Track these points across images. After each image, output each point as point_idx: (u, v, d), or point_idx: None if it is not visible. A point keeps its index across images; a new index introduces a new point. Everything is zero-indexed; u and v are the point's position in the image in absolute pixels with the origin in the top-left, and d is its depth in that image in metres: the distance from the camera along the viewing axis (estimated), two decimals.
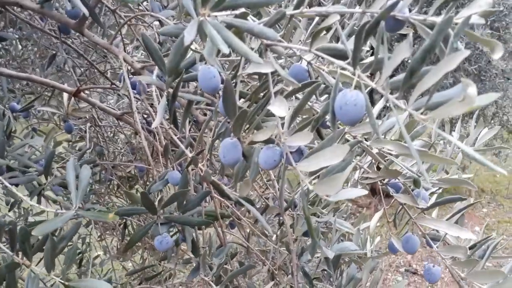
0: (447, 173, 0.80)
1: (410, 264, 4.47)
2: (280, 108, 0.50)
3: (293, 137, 0.54)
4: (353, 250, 0.89)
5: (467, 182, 0.70)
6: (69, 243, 0.78)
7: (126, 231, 1.77)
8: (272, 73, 0.59)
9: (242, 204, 0.78)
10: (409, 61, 0.41)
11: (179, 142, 0.81)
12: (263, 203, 1.11)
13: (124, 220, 1.73)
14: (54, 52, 1.62)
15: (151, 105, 1.38)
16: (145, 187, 1.86)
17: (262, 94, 0.64)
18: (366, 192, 0.57)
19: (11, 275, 0.74)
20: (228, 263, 1.12)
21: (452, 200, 0.81)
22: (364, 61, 0.49)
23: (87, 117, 1.50)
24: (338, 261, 0.88)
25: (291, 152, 0.55)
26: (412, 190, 0.79)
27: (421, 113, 0.43)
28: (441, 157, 0.61)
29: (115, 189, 2.10)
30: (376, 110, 0.47)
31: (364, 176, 0.85)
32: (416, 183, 0.70)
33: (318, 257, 1.02)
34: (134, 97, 1.37)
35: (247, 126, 0.58)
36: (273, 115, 0.57)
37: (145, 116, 1.49)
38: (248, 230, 1.30)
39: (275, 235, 1.13)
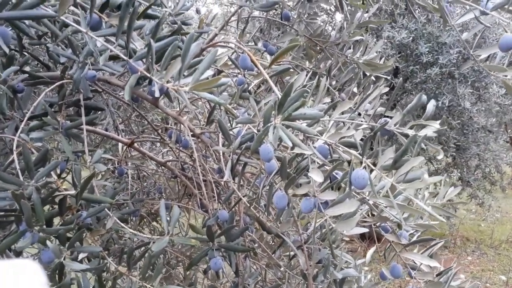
0: (421, 219, 1.13)
1: None
2: (317, 175, 0.84)
3: (323, 193, 0.87)
4: (355, 275, 1.20)
5: (433, 226, 1.04)
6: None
7: None
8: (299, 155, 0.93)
9: (281, 236, 1.11)
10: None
11: (234, 188, 1.14)
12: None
13: None
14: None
15: (190, 156, 1.72)
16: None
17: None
18: (367, 230, 0.90)
19: (114, 282, 1.05)
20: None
21: (425, 240, 1.14)
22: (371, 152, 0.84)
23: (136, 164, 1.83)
24: (343, 283, 1.19)
25: (320, 203, 0.89)
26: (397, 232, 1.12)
27: (399, 185, 0.77)
28: (415, 209, 0.95)
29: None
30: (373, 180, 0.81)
31: (362, 220, 1.18)
32: (399, 226, 1.03)
33: (323, 281, 1.33)
34: (177, 148, 1.73)
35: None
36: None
37: (183, 163, 1.82)
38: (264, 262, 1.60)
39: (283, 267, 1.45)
